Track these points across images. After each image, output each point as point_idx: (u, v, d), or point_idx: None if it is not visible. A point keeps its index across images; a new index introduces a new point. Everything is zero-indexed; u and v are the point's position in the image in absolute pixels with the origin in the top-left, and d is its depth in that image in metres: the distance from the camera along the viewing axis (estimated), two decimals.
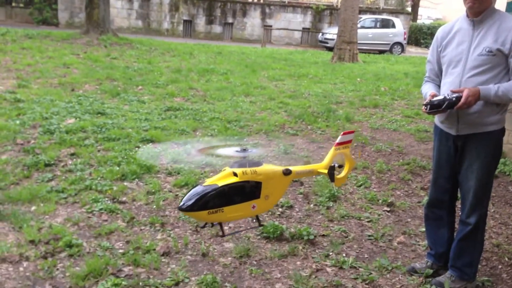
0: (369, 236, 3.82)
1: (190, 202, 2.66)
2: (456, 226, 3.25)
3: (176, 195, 4.33)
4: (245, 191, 2.81)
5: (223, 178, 2.76)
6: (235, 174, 2.72)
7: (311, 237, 3.69)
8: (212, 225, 2.94)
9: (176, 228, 3.75)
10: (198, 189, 2.72)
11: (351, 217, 4.15)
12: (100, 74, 9.81)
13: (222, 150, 3.02)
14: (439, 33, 3.08)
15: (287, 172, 2.97)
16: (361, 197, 4.59)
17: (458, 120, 2.90)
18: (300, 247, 3.56)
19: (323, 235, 3.79)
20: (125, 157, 5.03)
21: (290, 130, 6.77)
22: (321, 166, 3.25)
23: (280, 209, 4.21)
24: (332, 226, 3.96)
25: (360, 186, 4.86)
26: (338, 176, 3.31)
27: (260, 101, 8.56)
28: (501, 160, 5.45)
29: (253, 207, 2.85)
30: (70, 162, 4.86)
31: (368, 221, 4.09)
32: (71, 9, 22.98)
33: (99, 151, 5.25)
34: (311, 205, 4.35)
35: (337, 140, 3.22)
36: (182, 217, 3.89)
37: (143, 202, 4.14)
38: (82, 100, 7.46)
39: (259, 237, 3.70)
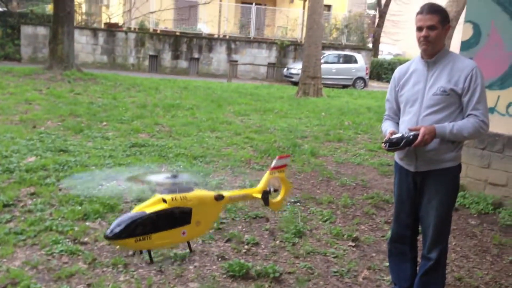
0: (335, 272, 3.83)
1: (116, 230, 2.57)
2: (419, 260, 3.30)
3: None
4: (174, 218, 2.74)
5: (152, 205, 2.70)
6: (164, 201, 2.69)
7: (277, 274, 3.67)
8: (141, 252, 2.88)
9: (139, 269, 3.66)
10: (125, 216, 2.66)
11: (317, 253, 4.15)
12: (63, 110, 9.67)
13: (152, 177, 2.99)
14: (396, 73, 3.21)
15: (219, 197, 2.95)
16: (327, 232, 4.61)
17: (416, 157, 3.00)
18: (266, 285, 3.53)
19: (289, 273, 3.77)
20: (87, 195, 4.93)
21: (256, 165, 6.79)
22: (255, 191, 3.25)
23: (246, 246, 4.18)
24: (298, 263, 3.95)
25: (325, 221, 4.89)
26: (274, 200, 3.33)
27: (226, 137, 8.59)
28: (461, 193, 5.61)
29: (183, 233, 2.80)
30: (30, 202, 4.72)
31: (333, 257, 4.10)
32: (34, 44, 22.76)
33: (60, 190, 5.13)
34: (277, 242, 4.34)
35: (272, 165, 3.25)
36: (146, 257, 3.81)
37: (106, 242, 4.03)
38: (44, 137, 7.31)
39: (225, 275, 3.65)
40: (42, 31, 22.71)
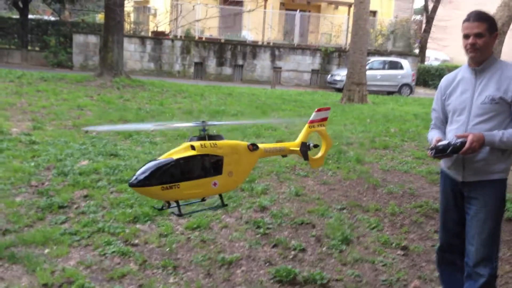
0: (384, 281, 3.78)
1: (142, 177, 2.41)
2: None
3: (188, 237, 4.33)
4: (204, 166, 2.54)
5: (179, 152, 2.52)
6: (192, 148, 2.53)
7: (324, 281, 3.66)
8: (169, 205, 2.66)
9: (188, 272, 3.73)
10: (152, 163, 2.47)
11: (365, 261, 4.11)
12: (113, 116, 9.97)
13: (179, 124, 2.84)
14: (442, 83, 3.16)
15: (253, 148, 2.76)
16: (374, 240, 4.55)
17: (464, 167, 2.92)
18: None
19: (337, 280, 3.75)
20: (138, 199, 5.06)
21: (301, 171, 6.78)
22: (293, 144, 3.06)
23: (292, 252, 4.19)
24: (345, 270, 3.92)
25: (373, 229, 4.82)
26: (315, 157, 3.13)
27: (271, 143, 8.60)
28: None
29: (215, 184, 2.59)
30: (83, 204, 4.90)
31: (382, 265, 4.04)
32: (85, 52, 23.58)
33: (111, 193, 5.29)
34: (324, 248, 4.32)
35: (311, 117, 3.05)
36: (194, 260, 3.88)
37: (156, 244, 4.14)
38: (95, 142, 7.57)
39: (272, 281, 3.67)
40: (93, 39, 23.52)
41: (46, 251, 3.85)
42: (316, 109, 3.04)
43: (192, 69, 24.68)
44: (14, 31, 24.75)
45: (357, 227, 4.84)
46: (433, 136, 3.10)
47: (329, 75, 23.86)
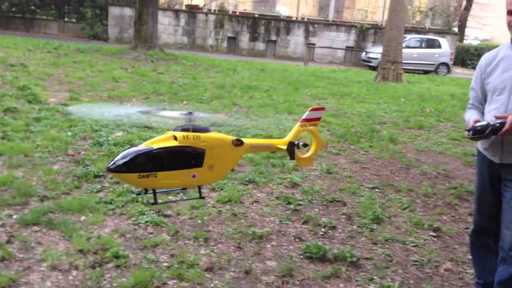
0: (415, 261, 3.74)
1: (119, 163, 2.40)
2: None
3: (219, 211, 4.38)
4: (184, 158, 2.52)
5: (161, 141, 2.50)
6: (175, 138, 2.52)
7: (354, 259, 3.65)
8: (146, 191, 2.63)
9: (219, 244, 3.78)
10: (131, 150, 2.47)
11: (396, 240, 4.07)
12: (147, 88, 10.07)
13: (166, 112, 2.82)
14: (482, 60, 3.03)
15: (238, 143, 2.72)
16: (406, 220, 4.51)
17: (502, 148, 2.82)
18: (343, 269, 3.52)
19: (367, 258, 3.74)
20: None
21: (332, 149, 6.73)
22: (281, 142, 3.01)
23: (322, 229, 4.18)
24: (375, 249, 3.90)
25: (404, 209, 4.77)
26: (303, 156, 3.09)
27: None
28: None
29: (194, 176, 2.57)
30: None
31: (413, 246, 4.00)
32: (121, 25, 23.78)
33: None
34: (354, 227, 4.30)
35: (304, 116, 3.00)
36: (225, 233, 3.93)
37: (187, 216, 4.20)
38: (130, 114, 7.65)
39: (301, 256, 3.69)
40: (128, 12, 23.67)
41: (82, 218, 3.95)
42: (310, 108, 2.99)
43: (225, 44, 24.62)
44: (52, 2, 25.10)
45: (389, 207, 4.80)
46: (471, 116, 3.00)
47: (364, 53, 23.42)
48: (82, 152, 5.55)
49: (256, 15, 24.92)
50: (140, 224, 3.94)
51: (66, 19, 25.18)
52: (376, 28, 25.04)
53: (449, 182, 5.69)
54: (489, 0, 32.16)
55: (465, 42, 32.90)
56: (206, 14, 24.42)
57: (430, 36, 23.58)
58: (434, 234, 4.26)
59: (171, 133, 2.54)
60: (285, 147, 2.91)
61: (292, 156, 2.95)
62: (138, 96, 9.36)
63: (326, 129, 7.93)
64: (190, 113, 2.62)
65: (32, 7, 24.60)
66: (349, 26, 24.97)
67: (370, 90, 13.41)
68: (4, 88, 8.57)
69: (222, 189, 4.86)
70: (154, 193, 2.65)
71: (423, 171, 6.03)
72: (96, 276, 3.14)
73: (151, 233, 3.84)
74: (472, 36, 42.12)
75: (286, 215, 4.41)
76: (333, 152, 6.60)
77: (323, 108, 3.11)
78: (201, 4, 25.39)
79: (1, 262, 3.20)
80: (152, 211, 4.18)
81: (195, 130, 2.59)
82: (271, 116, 8.62)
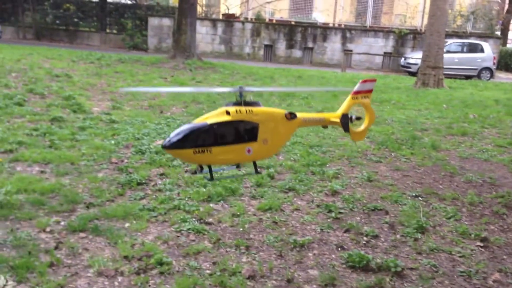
0: (462, 272, 3.63)
1: (174, 139, 2.40)
2: None
3: (260, 218, 4.38)
4: (238, 132, 2.50)
5: (214, 116, 2.50)
6: (227, 113, 2.47)
7: (399, 269, 3.57)
8: (202, 169, 2.61)
9: (260, 252, 3.78)
10: (185, 126, 2.47)
11: (441, 250, 3.97)
12: (186, 97, 10.22)
13: (217, 88, 2.79)
14: None
15: (290, 116, 2.67)
16: (451, 230, 4.39)
17: None
18: (388, 279, 3.45)
19: (411, 268, 3.66)
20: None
21: (373, 157, 6.64)
22: (334, 115, 2.93)
23: (365, 238, 4.12)
24: (420, 259, 3.81)
25: (449, 218, 4.64)
26: (356, 130, 3.00)
27: None
28: None
29: (248, 151, 2.52)
30: (159, 182, 5.08)
31: (460, 256, 3.89)
32: (160, 35, 24.26)
33: (186, 171, 5.44)
34: (398, 236, 4.22)
35: (355, 88, 2.92)
36: (266, 241, 3.92)
37: (228, 224, 4.22)
38: (170, 122, 7.80)
39: (344, 265, 3.64)
40: (166, 22, 24.14)
41: (127, 225, 4.04)
42: (361, 80, 2.90)
43: (261, 52, 24.73)
44: (94, 15, 25.89)
45: (433, 216, 4.68)
46: None
47: (403, 58, 23.05)
48: (125, 160, 5.68)
49: (293, 23, 24.94)
50: (183, 232, 3.99)
51: (107, 30, 25.89)
52: (415, 33, 24.61)
53: (496, 190, 5.51)
54: None
55: (508, 46, 31.89)
56: (243, 22, 24.61)
57: (472, 41, 22.99)
58: (482, 244, 4.12)
59: (223, 108, 2.53)
60: (338, 120, 2.86)
61: (346, 128, 2.88)
62: (178, 104, 9.51)
63: (366, 136, 7.81)
64: (241, 87, 2.62)
65: (75, 20, 25.44)
66: (387, 32, 24.65)
67: (410, 96, 13.17)
68: (50, 98, 8.88)
69: (262, 197, 4.87)
70: (210, 169, 2.63)
71: (468, 179, 5.86)
72: (141, 282, 3.19)
73: (193, 240, 3.87)
74: None
75: (327, 223, 4.37)
76: (373, 159, 6.51)
77: (374, 80, 3.04)
78: (237, 13, 25.62)
79: (49, 268, 3.30)
80: (193, 219, 4.22)
81: (247, 104, 2.58)
82: None
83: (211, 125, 2.46)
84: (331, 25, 25.32)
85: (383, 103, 11.69)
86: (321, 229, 4.25)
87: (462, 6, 26.28)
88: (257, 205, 4.66)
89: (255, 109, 2.57)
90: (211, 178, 2.67)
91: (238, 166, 2.97)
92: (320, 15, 25.89)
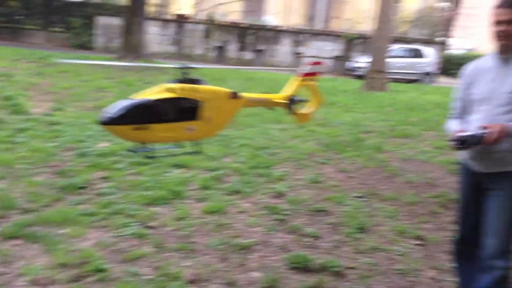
0: (398, 270, 3.75)
1: (112, 115, 2.31)
2: None
3: (205, 221, 4.35)
4: (180, 110, 2.44)
5: (156, 93, 2.44)
6: (170, 90, 2.42)
7: (339, 269, 3.65)
8: (143, 148, 2.51)
9: (204, 255, 3.76)
10: (125, 102, 2.38)
11: (380, 249, 4.08)
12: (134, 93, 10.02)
13: (160, 64, 2.75)
14: (467, 70, 3.07)
15: (235, 96, 2.65)
16: (391, 229, 4.52)
17: (485, 158, 2.86)
18: (328, 279, 3.52)
19: (351, 268, 3.74)
20: (155, 182, 5.10)
21: (319, 158, 6.75)
22: (280, 97, 2.93)
23: (308, 239, 4.18)
24: (360, 259, 3.90)
25: (390, 218, 4.79)
26: (302, 112, 3.00)
27: (290, 129, 8.58)
28: None
29: (190, 129, 2.51)
30: (101, 186, 4.96)
31: (397, 255, 4.01)
32: (108, 34, 23.73)
33: (130, 175, 5.34)
34: (339, 236, 4.30)
35: (303, 71, 2.92)
36: (210, 244, 3.91)
37: (172, 227, 4.17)
38: None
39: (286, 267, 3.68)
40: (115, 21, 23.61)
41: (64, 231, 3.91)
42: (309, 62, 2.92)
43: (212, 53, 24.65)
44: (39, 12, 25.00)
45: (374, 216, 4.81)
46: (454, 126, 3.03)
47: (350, 62, 23.59)
48: (66, 163, 5.50)
49: (244, 25, 25.02)
50: (124, 237, 3.91)
51: (52, 28, 25.05)
52: (364, 37, 25.24)
53: (433, 190, 5.72)
54: (474, 10, 32.64)
55: (450, 51, 33.25)
56: (195, 23, 24.46)
57: (416, 46, 23.82)
58: (418, 243, 4.28)
59: (166, 85, 2.46)
60: (284, 102, 2.83)
61: (291, 111, 2.86)
62: None
63: (313, 138, 7.95)
64: (185, 64, 2.57)
65: (19, 17, 24.47)
66: (336, 36, 25.15)
67: (356, 99, 13.49)
68: None
69: (208, 200, 4.85)
70: (150, 148, 2.48)
71: (408, 179, 6.07)
72: None
73: (135, 245, 3.80)
74: (458, 46, 42.58)
75: (272, 225, 4.40)
76: (319, 161, 6.62)
77: (321, 63, 3.04)
78: (189, 13, 25.45)
79: None
80: (136, 223, 4.15)
81: (190, 81, 2.52)
82: (258, 125, 8.62)
83: (152, 101, 2.37)
84: (282, 28, 25.58)
85: (331, 105, 11.90)
86: (266, 231, 4.28)
87: (407, 12, 27.19)
88: (202, 208, 4.63)
89: (199, 87, 2.51)
90: (152, 156, 2.57)
91: (179, 144, 2.82)
92: (272, 18, 26.12)
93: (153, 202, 4.63)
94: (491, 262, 2.90)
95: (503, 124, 2.71)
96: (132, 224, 4.11)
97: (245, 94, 2.73)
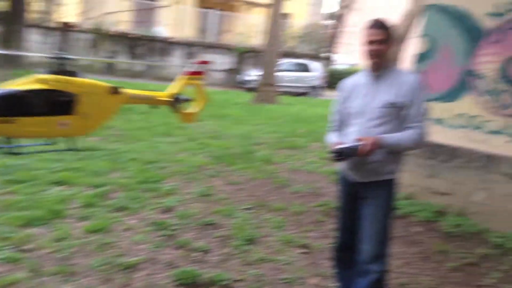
0: (284, 279, 3.85)
1: None
2: None
3: (87, 241, 4.13)
4: (52, 103, 2.26)
5: (26, 84, 2.26)
6: (42, 81, 2.26)
7: (228, 282, 3.65)
8: (9, 143, 2.35)
9: (86, 277, 3.56)
10: None
11: (268, 260, 4.16)
12: None
13: (33, 53, 2.55)
14: (343, 86, 3.29)
15: (115, 91, 2.56)
16: (278, 239, 4.63)
17: (360, 168, 3.06)
18: None
19: (239, 280, 3.77)
20: (32, 201, 4.75)
21: (209, 171, 6.75)
22: (165, 95, 2.88)
23: (196, 254, 4.14)
24: (248, 270, 3.94)
25: (277, 228, 4.91)
26: (187, 112, 2.98)
27: (180, 142, 8.50)
28: (408, 201, 5.77)
29: (64, 124, 2.38)
30: None
31: (283, 264, 4.12)
32: None
33: (3, 194, 4.92)
34: (228, 249, 4.32)
35: (188, 69, 2.91)
36: (93, 265, 3.71)
37: (50, 250, 3.90)
38: None
39: (174, 283, 3.61)
40: None
41: None
42: (194, 61, 2.91)
43: (101, 64, 23.74)
44: None
45: (262, 227, 4.90)
46: (333, 138, 3.20)
47: (241, 75, 24.09)
48: None
49: (135, 36, 24.45)
50: None
51: None
52: (254, 51, 25.88)
53: (318, 199, 5.98)
54: (356, 29, 35.01)
55: (335, 66, 35.30)
56: (81, 32, 23.40)
57: (304, 61, 24.97)
58: (303, 251, 4.43)
59: (37, 75, 2.24)
60: (169, 100, 2.73)
61: (176, 109, 2.77)
62: None
63: (203, 151, 7.94)
64: (60, 53, 2.35)
65: None
66: (228, 49, 25.52)
67: (247, 111, 13.77)
68: None
69: (91, 218, 4.61)
70: (13, 142, 2.25)
71: (295, 190, 6.28)
72: None
73: (7, 271, 3.50)
74: (341, 61, 45.34)
75: (159, 241, 4.30)
76: (209, 174, 6.62)
77: (207, 62, 2.99)
78: (75, 22, 24.28)
79: None
80: (8, 247, 3.82)
81: (65, 73, 2.31)
82: (147, 139, 8.43)
83: (21, 92, 2.13)
84: (174, 40, 25.39)
85: (222, 118, 12.03)
86: (153, 248, 4.17)
87: (295, 28, 28.41)
88: (84, 227, 4.39)
89: (74, 79, 2.30)
90: (16, 153, 2.31)
91: (53, 141, 2.54)
92: (163, 29, 25.81)
93: (29, 223, 4.30)
94: (367, 267, 3.09)
95: (376, 137, 2.93)
96: (4, 248, 3.78)
97: (127, 90, 2.57)
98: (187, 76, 2.82)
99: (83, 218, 4.59)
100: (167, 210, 5.07)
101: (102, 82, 2.48)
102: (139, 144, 7.95)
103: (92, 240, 4.16)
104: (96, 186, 5.44)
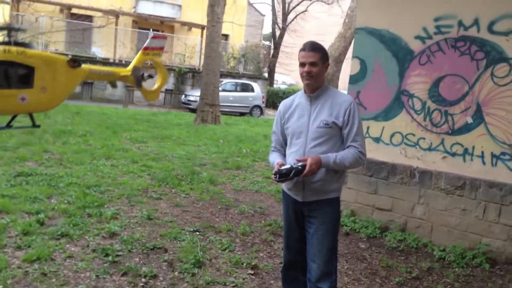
0: None
1: None
2: None
3: (26, 271, 3.92)
4: (8, 75, 2.16)
5: None
6: None
7: None
8: None
9: None
10: None
11: (216, 283, 4.11)
12: None
13: None
14: (281, 107, 3.35)
15: (74, 64, 2.45)
16: (226, 261, 4.60)
17: (304, 188, 3.12)
18: None
19: None
20: None
21: (153, 194, 6.63)
22: (125, 70, 2.81)
23: (143, 280, 4.03)
24: None
25: (225, 249, 4.87)
26: (149, 89, 2.92)
27: (122, 165, 8.30)
28: (352, 218, 5.91)
29: (23, 99, 2.27)
30: None
31: (233, 286, 4.08)
32: None
33: None
34: (176, 273, 4.23)
35: (145, 44, 2.88)
36: None
37: None
38: None
39: None
40: None
41: None
42: (151, 36, 2.84)
43: None
44: None
45: (210, 249, 4.85)
46: (274, 159, 3.24)
47: (183, 96, 23.96)
48: None
49: (70, 56, 23.77)
50: None
51: None
52: (194, 72, 25.88)
53: (265, 219, 6.01)
54: (293, 49, 35.86)
55: (274, 86, 35.95)
56: None
57: (244, 81, 25.23)
58: (252, 272, 4.41)
59: None
60: (129, 74, 2.62)
61: (139, 83, 2.65)
62: None
63: (146, 174, 7.80)
64: (10, 24, 2.19)
65: None
66: (168, 70, 25.28)
67: (190, 132, 13.69)
68: None
69: (30, 246, 4.39)
70: None
71: (241, 210, 6.28)
72: None
73: None
74: (280, 81, 46.35)
75: (104, 268, 4.14)
76: (153, 196, 6.50)
77: (165, 37, 2.90)
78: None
79: None
80: None
81: (17, 44, 2.15)
82: (87, 162, 8.16)
83: None
84: (111, 60, 24.90)
85: (165, 139, 11.89)
86: (97, 276, 4.01)
87: (234, 49, 28.71)
88: (22, 257, 4.17)
89: (29, 51, 2.16)
90: None
91: (9, 125, 2.37)
92: (99, 50, 25.28)
93: None
94: (316, 285, 3.12)
95: (316, 156, 2.99)
96: None
97: (87, 66, 2.44)
98: (146, 51, 2.74)
99: (21, 247, 4.36)
100: (111, 235, 4.92)
101: (58, 55, 2.32)
102: (79, 168, 7.68)
103: (31, 270, 3.95)
104: (34, 213, 5.19)
